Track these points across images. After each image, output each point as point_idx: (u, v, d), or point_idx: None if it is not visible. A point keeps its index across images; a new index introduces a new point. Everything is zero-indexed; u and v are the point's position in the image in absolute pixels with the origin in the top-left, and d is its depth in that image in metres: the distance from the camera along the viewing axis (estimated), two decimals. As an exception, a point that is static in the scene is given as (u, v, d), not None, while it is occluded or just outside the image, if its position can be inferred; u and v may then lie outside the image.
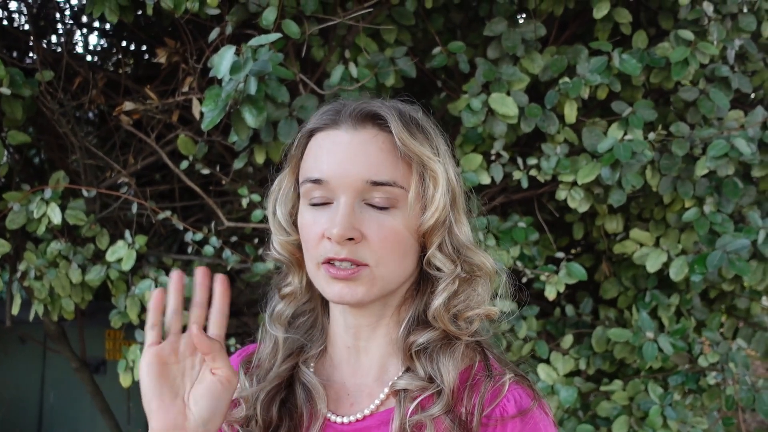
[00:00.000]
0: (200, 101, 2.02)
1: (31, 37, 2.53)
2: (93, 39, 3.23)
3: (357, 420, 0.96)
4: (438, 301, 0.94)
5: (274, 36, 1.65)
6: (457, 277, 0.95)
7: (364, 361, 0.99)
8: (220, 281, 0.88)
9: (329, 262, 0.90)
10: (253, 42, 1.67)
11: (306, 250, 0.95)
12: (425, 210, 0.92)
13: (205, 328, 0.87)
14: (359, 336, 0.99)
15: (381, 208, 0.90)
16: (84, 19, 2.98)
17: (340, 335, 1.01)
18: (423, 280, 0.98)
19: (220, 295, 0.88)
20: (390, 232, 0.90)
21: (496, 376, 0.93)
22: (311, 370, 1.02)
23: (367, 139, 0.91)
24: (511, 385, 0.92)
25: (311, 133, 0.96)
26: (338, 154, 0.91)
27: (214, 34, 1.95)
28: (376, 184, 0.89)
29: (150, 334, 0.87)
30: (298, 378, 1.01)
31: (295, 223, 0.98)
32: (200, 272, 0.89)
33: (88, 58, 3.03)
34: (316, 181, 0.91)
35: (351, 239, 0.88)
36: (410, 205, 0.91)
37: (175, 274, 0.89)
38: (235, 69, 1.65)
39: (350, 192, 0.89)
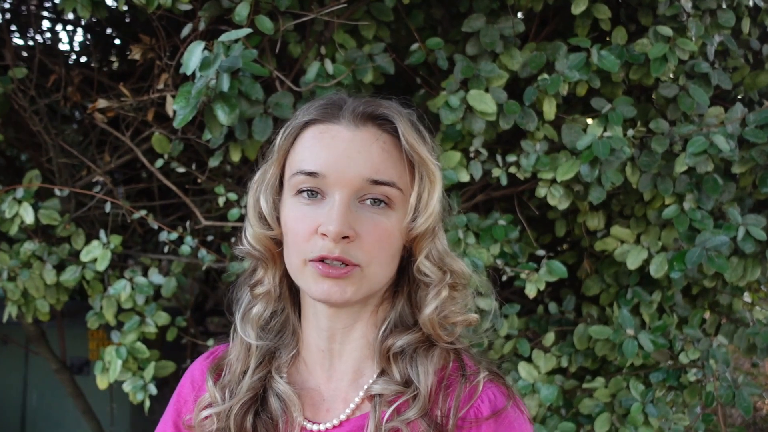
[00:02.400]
0: (174, 98, 1.99)
1: (14, 34, 2.49)
2: (70, 35, 3.17)
3: (333, 426, 0.94)
4: (430, 308, 0.93)
5: (245, 31, 1.63)
6: (446, 285, 0.94)
7: (337, 365, 0.97)
8: None
9: (321, 260, 0.87)
10: (224, 38, 1.64)
11: (291, 244, 0.92)
12: (420, 214, 0.91)
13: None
14: (333, 339, 0.97)
15: (377, 208, 0.89)
16: (62, 15, 2.93)
17: (314, 338, 0.98)
18: (401, 282, 0.97)
19: None
20: (384, 233, 0.89)
21: (470, 375, 0.92)
22: (284, 377, 0.99)
23: (369, 138, 0.90)
24: (485, 385, 0.92)
25: (305, 125, 0.93)
26: (338, 149, 0.89)
27: (186, 30, 1.92)
28: (376, 183, 0.88)
29: None
30: (271, 387, 0.99)
31: (277, 217, 0.95)
32: None
33: (66, 54, 2.99)
34: (311, 174, 0.89)
35: (346, 237, 0.87)
36: (411, 206, 0.90)
37: None
38: (204, 65, 1.62)
39: (348, 189, 0.88)
